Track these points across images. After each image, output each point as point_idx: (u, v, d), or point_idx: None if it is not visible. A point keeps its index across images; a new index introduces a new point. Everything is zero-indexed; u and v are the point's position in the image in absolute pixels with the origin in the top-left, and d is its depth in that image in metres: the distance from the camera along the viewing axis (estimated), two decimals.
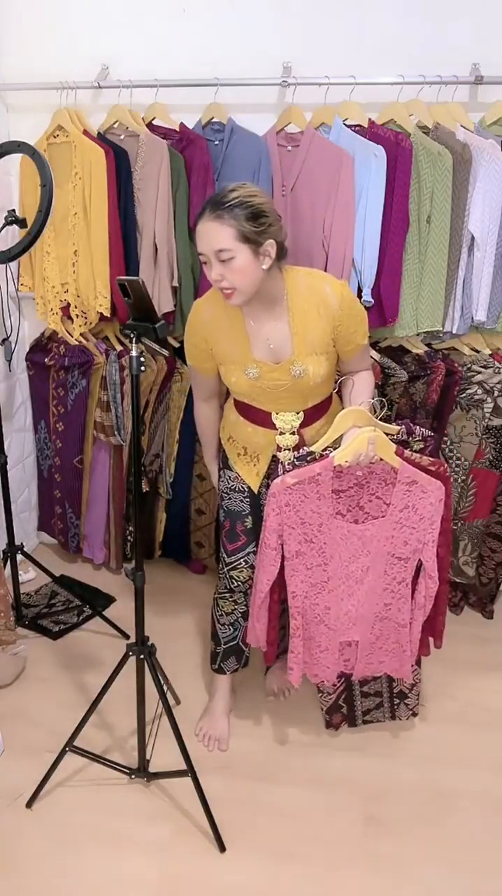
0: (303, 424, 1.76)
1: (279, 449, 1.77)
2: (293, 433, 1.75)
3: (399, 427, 1.66)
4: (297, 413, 1.74)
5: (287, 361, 1.66)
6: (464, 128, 2.11)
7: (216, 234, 1.51)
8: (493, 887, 1.62)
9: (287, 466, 1.66)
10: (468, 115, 2.13)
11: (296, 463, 1.63)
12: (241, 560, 1.89)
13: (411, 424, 1.70)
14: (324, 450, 1.63)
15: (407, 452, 1.65)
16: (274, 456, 1.80)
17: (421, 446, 1.67)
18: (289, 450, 1.76)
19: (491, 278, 2.14)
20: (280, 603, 1.79)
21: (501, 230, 2.11)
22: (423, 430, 1.71)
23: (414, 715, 2.06)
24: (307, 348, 1.65)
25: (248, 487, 1.85)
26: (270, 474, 1.81)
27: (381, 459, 1.61)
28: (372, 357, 1.95)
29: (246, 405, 1.78)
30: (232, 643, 1.99)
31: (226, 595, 1.94)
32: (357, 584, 1.74)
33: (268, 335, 1.66)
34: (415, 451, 1.66)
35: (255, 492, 1.85)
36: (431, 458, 1.67)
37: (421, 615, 1.78)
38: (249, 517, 1.87)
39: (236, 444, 1.85)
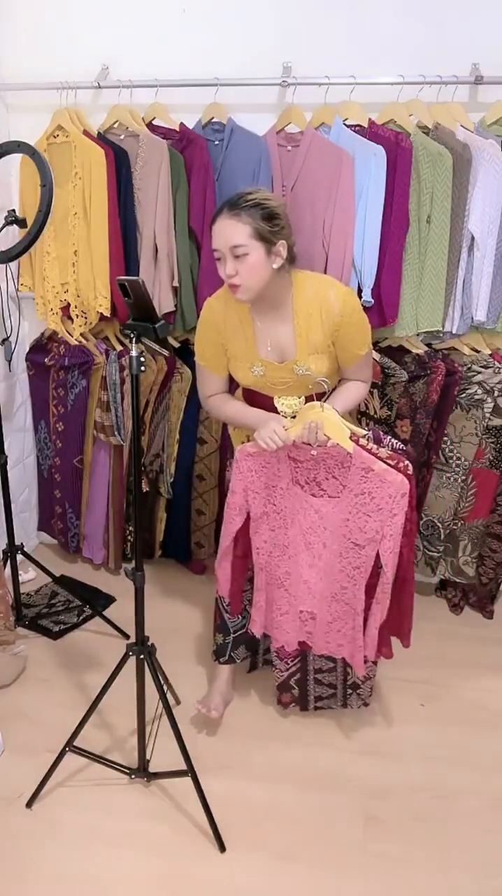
0: None
1: None
2: (294, 416, 1.79)
3: (366, 432, 1.72)
4: (299, 397, 1.79)
5: (290, 361, 1.73)
6: (464, 128, 2.11)
7: (232, 231, 1.58)
8: (493, 887, 1.62)
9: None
10: (468, 115, 2.13)
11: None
12: None
13: (381, 434, 1.76)
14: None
15: (362, 440, 1.68)
16: None
17: (386, 455, 1.69)
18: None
19: (491, 278, 2.14)
20: (244, 560, 1.88)
21: (501, 230, 2.11)
22: (394, 442, 1.75)
23: (366, 705, 2.07)
24: (309, 349, 1.71)
25: None
26: None
27: (337, 444, 1.66)
28: (372, 358, 1.96)
29: (250, 392, 1.86)
30: (241, 631, 2.04)
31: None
32: (316, 557, 1.81)
33: (271, 336, 1.73)
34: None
35: None
36: (390, 452, 1.69)
37: (379, 611, 1.77)
38: None
39: (239, 432, 1.93)
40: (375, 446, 1.70)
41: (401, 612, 1.81)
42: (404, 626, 1.85)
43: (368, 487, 1.69)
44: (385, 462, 1.67)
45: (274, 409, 1.82)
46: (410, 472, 1.68)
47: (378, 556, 1.73)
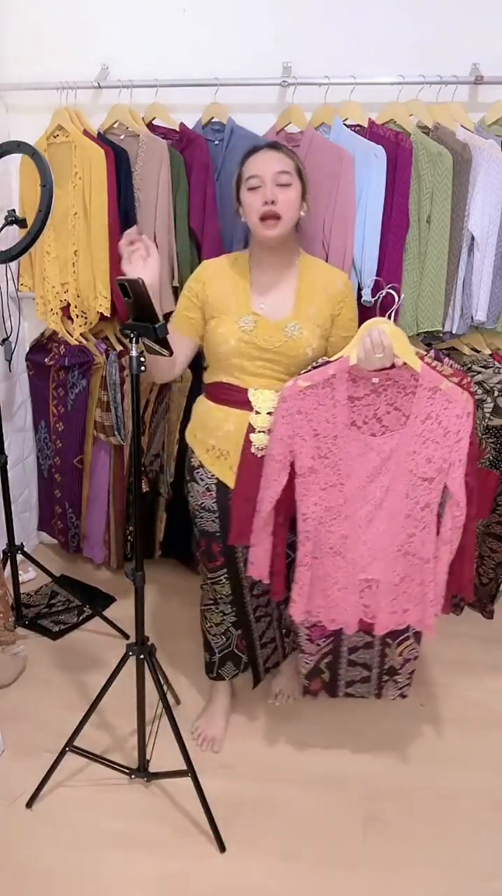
0: None
1: (252, 430, 1.67)
2: (269, 414, 1.65)
3: (427, 351, 1.62)
4: (276, 391, 1.65)
5: (284, 320, 1.65)
6: (464, 128, 2.11)
7: (280, 159, 1.60)
8: (493, 887, 1.62)
9: (258, 453, 1.65)
10: (468, 115, 2.14)
11: (311, 370, 1.56)
12: (222, 576, 1.86)
13: (441, 354, 1.65)
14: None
15: (427, 358, 1.55)
16: (247, 442, 1.68)
17: (450, 372, 1.57)
18: (263, 432, 1.66)
19: (491, 278, 2.14)
20: (285, 529, 1.66)
21: (501, 230, 2.11)
22: (453, 361, 1.64)
23: (403, 696, 1.96)
24: (305, 314, 1.66)
25: (217, 507, 1.77)
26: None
27: (404, 364, 1.51)
28: None
29: (220, 386, 1.72)
30: (226, 650, 1.98)
31: (212, 606, 1.92)
32: (376, 508, 1.60)
33: (269, 294, 1.68)
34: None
35: (231, 486, 1.74)
36: (452, 368, 1.58)
37: (447, 552, 1.61)
38: (220, 536, 1.81)
39: (203, 441, 1.76)
40: (438, 363, 1.57)
41: (463, 559, 1.64)
42: (465, 575, 1.67)
43: (434, 410, 1.54)
44: (449, 380, 1.54)
45: (246, 405, 1.67)
46: (472, 388, 1.56)
47: (444, 489, 1.57)
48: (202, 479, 1.78)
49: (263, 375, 1.67)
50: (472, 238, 2.11)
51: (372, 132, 2.12)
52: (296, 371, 1.64)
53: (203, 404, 1.79)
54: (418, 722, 2.09)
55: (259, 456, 1.66)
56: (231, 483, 1.73)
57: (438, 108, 2.13)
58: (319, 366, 1.56)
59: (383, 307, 1.57)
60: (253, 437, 1.67)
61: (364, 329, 1.52)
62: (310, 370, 1.57)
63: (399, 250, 2.12)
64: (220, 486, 1.75)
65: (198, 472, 1.79)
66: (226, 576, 1.86)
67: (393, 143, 2.06)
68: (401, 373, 1.53)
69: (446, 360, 1.65)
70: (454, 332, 2.21)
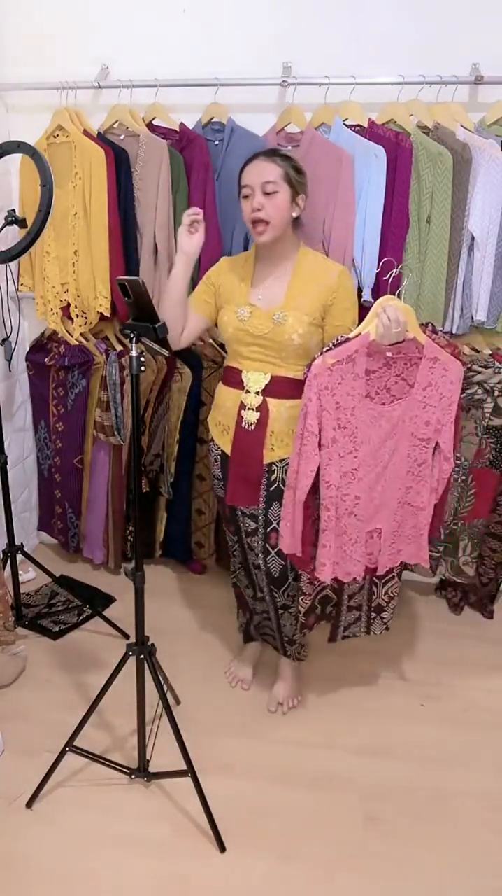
0: (270, 391, 1.82)
1: (243, 407, 1.85)
2: (258, 394, 1.83)
3: (426, 326, 1.76)
4: (265, 374, 1.82)
5: (273, 309, 1.79)
6: (464, 128, 2.11)
7: (266, 169, 1.73)
8: (493, 887, 1.62)
9: (248, 427, 1.82)
10: (468, 115, 2.13)
11: (333, 347, 1.67)
12: (236, 547, 2.06)
13: (434, 325, 1.80)
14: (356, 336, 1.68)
15: (428, 331, 1.72)
16: (239, 417, 1.86)
17: (445, 343, 1.74)
18: (252, 409, 1.83)
19: (491, 278, 2.14)
20: (313, 499, 1.78)
21: (501, 230, 2.11)
22: (444, 333, 1.79)
23: (387, 629, 2.14)
24: (294, 304, 1.78)
25: (222, 475, 1.97)
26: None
27: (413, 338, 1.67)
28: None
29: (228, 369, 1.92)
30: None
31: (241, 570, 2.10)
32: (384, 468, 1.79)
33: (266, 288, 1.82)
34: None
35: (229, 455, 1.93)
36: (446, 340, 1.75)
37: (434, 499, 1.84)
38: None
39: (215, 417, 1.97)
40: (435, 336, 1.74)
41: (441, 501, 1.87)
42: (440, 515, 1.90)
43: (433, 378, 1.72)
44: (444, 350, 1.72)
45: (240, 385, 1.86)
46: (462, 357, 1.75)
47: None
48: (212, 451, 2.00)
49: (255, 359, 1.84)
50: (472, 238, 2.11)
51: (372, 132, 2.12)
52: (287, 357, 1.80)
53: (218, 386, 1.98)
54: (418, 722, 2.09)
55: (248, 430, 1.84)
56: (229, 452, 1.93)
57: (438, 108, 2.13)
58: (340, 343, 1.67)
59: (393, 287, 1.66)
60: (243, 412, 1.85)
61: (377, 306, 1.64)
62: (331, 347, 1.67)
63: (399, 250, 2.12)
64: (224, 456, 1.95)
65: (211, 444, 2.00)
66: (236, 544, 2.05)
67: (394, 143, 2.06)
68: (409, 345, 1.69)
69: (439, 332, 1.80)
70: (454, 332, 2.21)
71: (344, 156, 2.06)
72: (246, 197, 1.76)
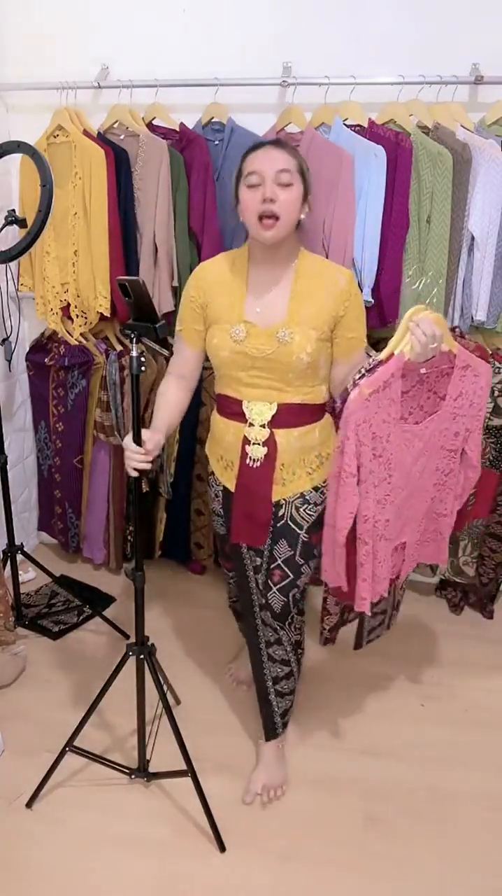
0: (277, 422, 1.62)
1: (247, 441, 1.64)
2: (264, 426, 1.62)
3: (452, 328, 1.69)
4: (270, 404, 1.61)
5: (276, 325, 1.57)
6: (464, 128, 2.11)
7: (281, 157, 1.50)
8: (493, 887, 1.62)
9: (253, 464, 1.63)
10: (468, 115, 2.13)
11: (366, 373, 1.50)
12: (232, 584, 1.99)
13: (461, 329, 1.74)
14: (388, 357, 1.51)
15: (455, 335, 1.67)
16: (243, 453, 1.66)
17: (473, 347, 1.69)
18: (258, 444, 1.63)
19: (491, 278, 2.14)
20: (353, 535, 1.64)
21: (501, 230, 2.11)
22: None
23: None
24: (299, 317, 1.57)
25: (223, 511, 1.81)
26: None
27: (447, 350, 1.54)
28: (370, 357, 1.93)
29: (222, 398, 1.71)
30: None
31: (235, 603, 2.07)
32: (413, 486, 1.68)
33: (264, 299, 1.60)
34: None
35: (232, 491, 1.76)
36: (474, 343, 1.71)
37: (458, 505, 1.78)
38: (227, 538, 1.83)
39: (214, 451, 1.79)
40: (462, 340, 1.68)
41: (464, 504, 1.82)
42: (464, 516, 1.86)
43: (464, 387, 1.61)
44: (474, 353, 1.63)
45: (243, 418, 1.64)
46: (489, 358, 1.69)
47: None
48: (212, 486, 1.83)
49: (257, 386, 1.62)
50: (472, 238, 2.11)
51: (372, 132, 2.12)
52: (293, 379, 1.60)
53: (213, 416, 1.78)
54: (418, 722, 2.09)
55: (253, 467, 1.65)
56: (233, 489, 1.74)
57: (438, 108, 2.13)
58: (374, 368, 1.49)
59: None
60: (248, 448, 1.65)
61: (408, 321, 1.47)
62: (363, 374, 1.49)
63: (399, 250, 2.12)
64: (226, 492, 1.77)
65: (211, 478, 1.83)
66: (235, 581, 1.90)
67: (394, 143, 2.06)
68: (442, 357, 1.56)
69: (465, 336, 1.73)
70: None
71: (344, 156, 2.06)
72: (252, 186, 1.50)
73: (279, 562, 1.72)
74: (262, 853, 1.68)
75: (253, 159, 1.52)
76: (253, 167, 1.50)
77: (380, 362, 1.49)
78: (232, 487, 1.73)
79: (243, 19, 2.21)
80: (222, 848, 1.68)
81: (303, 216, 1.57)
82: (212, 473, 1.81)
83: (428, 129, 2.14)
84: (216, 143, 2.24)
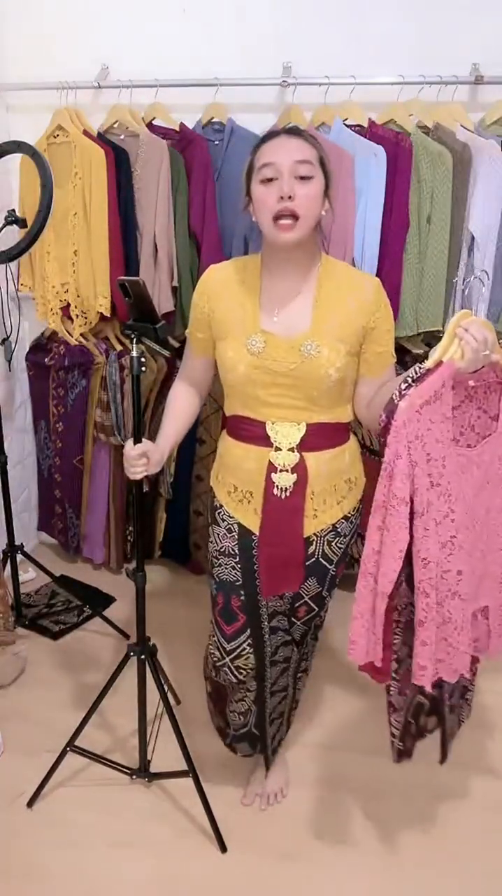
0: (307, 445, 1.43)
1: (274, 469, 1.43)
2: (292, 450, 1.43)
3: None
4: (298, 424, 1.43)
5: (298, 336, 1.38)
6: (464, 128, 2.11)
7: (300, 147, 1.32)
8: (493, 887, 1.62)
9: (282, 494, 1.43)
10: (468, 115, 2.14)
11: (413, 383, 1.27)
12: (245, 645, 1.59)
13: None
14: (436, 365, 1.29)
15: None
16: (269, 482, 1.45)
17: None
18: (286, 471, 1.43)
19: (492, 278, 2.14)
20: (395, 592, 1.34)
21: (501, 230, 2.11)
22: None
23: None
24: (325, 328, 1.39)
25: (238, 550, 1.54)
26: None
27: (497, 360, 1.30)
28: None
29: (237, 419, 1.49)
30: (243, 730, 1.74)
31: (235, 685, 1.65)
32: (481, 528, 1.39)
33: (282, 306, 1.41)
34: None
35: (256, 532, 1.50)
36: None
37: None
38: (243, 589, 1.56)
39: (224, 480, 1.55)
40: None
41: None
42: None
43: None
44: None
45: (266, 441, 1.43)
46: None
47: None
48: (223, 520, 1.55)
49: (280, 405, 1.42)
50: (472, 238, 2.11)
51: (372, 132, 2.12)
52: (319, 398, 1.41)
53: (223, 441, 1.57)
54: None
55: (282, 498, 1.44)
56: (256, 528, 1.50)
57: (438, 108, 2.14)
58: (421, 377, 1.27)
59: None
60: (274, 476, 1.44)
61: (455, 326, 1.26)
62: (410, 383, 1.26)
63: (399, 250, 2.12)
64: (243, 528, 1.52)
65: (219, 512, 1.57)
66: (248, 642, 1.59)
67: (393, 143, 2.07)
68: (488, 369, 1.33)
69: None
70: None
71: (344, 156, 2.06)
72: (267, 180, 1.31)
73: (306, 599, 1.57)
74: (263, 853, 1.68)
75: (267, 150, 1.33)
76: (267, 158, 1.32)
77: (429, 371, 1.28)
78: (252, 525, 1.51)
79: (243, 19, 2.21)
80: (223, 848, 1.68)
81: (323, 213, 1.38)
82: (220, 507, 1.56)
83: (428, 129, 2.14)
84: (216, 143, 2.24)
